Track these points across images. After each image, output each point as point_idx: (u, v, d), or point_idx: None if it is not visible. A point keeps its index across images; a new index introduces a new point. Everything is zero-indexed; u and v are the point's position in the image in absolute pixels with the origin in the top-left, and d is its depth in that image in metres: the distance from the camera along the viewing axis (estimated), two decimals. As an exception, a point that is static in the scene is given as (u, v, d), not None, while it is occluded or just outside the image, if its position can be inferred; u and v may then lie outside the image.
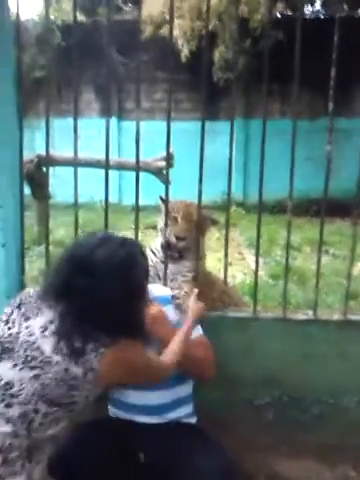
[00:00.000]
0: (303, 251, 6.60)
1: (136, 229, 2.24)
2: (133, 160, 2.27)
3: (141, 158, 5.58)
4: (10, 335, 1.48)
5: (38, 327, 1.48)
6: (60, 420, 1.47)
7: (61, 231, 5.97)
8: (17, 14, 2.04)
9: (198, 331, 1.95)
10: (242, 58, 8.81)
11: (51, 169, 5.12)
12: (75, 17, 2.11)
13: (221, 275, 2.42)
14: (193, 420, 2.01)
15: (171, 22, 2.19)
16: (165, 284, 2.18)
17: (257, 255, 2.31)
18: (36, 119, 5.98)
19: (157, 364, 1.65)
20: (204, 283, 2.23)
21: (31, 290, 1.62)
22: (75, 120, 2.15)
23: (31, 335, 1.47)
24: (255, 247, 2.33)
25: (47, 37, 3.16)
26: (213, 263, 5.47)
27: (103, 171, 2.18)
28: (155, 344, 1.75)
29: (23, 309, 1.53)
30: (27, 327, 1.48)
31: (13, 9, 2.05)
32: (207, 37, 2.28)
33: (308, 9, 10.72)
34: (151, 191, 3.32)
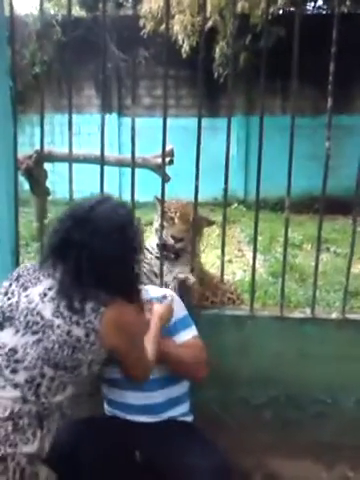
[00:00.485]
0: (304, 249, 6.58)
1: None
2: (134, 157, 2.25)
3: (141, 154, 5.58)
4: (10, 305, 1.50)
5: (37, 294, 1.49)
6: (67, 385, 1.47)
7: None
8: (11, 8, 2.02)
9: (192, 332, 1.93)
10: (243, 54, 8.79)
11: (51, 165, 5.15)
12: (70, 11, 2.09)
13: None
14: (189, 419, 2.00)
15: (167, 18, 2.17)
16: (161, 283, 2.16)
17: (254, 252, 2.29)
18: (36, 115, 5.96)
19: (144, 344, 1.65)
20: (199, 281, 2.21)
21: (28, 264, 1.62)
22: (70, 115, 2.13)
23: (30, 302, 1.48)
24: (257, 245, 2.30)
25: (44, 32, 3.14)
26: (213, 259, 5.48)
27: (105, 167, 2.17)
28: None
29: (21, 280, 1.54)
30: (26, 295, 1.50)
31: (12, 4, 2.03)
32: (203, 34, 2.25)
33: (310, 5, 10.68)
34: (151, 188, 3.30)
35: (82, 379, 1.51)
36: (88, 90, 10.60)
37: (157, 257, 2.23)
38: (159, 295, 1.95)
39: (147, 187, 4.21)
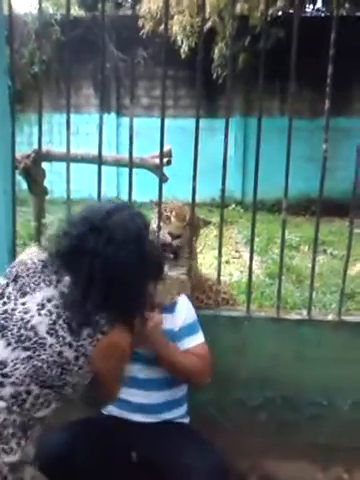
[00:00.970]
0: (301, 250, 6.59)
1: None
2: (132, 157, 2.25)
3: (139, 154, 5.57)
4: (5, 311, 1.40)
5: (35, 304, 1.40)
6: (51, 402, 1.42)
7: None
8: (9, 7, 2.01)
9: (198, 339, 1.91)
10: (242, 55, 8.80)
11: (49, 165, 5.14)
12: (68, 11, 2.08)
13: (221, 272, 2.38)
14: (186, 420, 2.00)
15: (166, 18, 2.17)
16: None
17: (251, 254, 2.29)
18: (34, 114, 5.95)
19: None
20: (196, 283, 2.21)
21: (28, 261, 1.49)
22: (68, 115, 2.13)
23: (26, 312, 1.39)
24: (253, 246, 2.30)
25: (43, 31, 3.13)
26: (210, 260, 5.48)
27: (103, 167, 2.17)
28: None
29: (20, 283, 1.44)
30: (23, 303, 1.40)
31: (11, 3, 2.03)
32: (202, 34, 2.24)
33: (309, 7, 10.70)
34: (149, 188, 3.30)
35: (68, 397, 1.45)
36: (86, 90, 10.60)
37: None
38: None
39: (145, 187, 4.21)
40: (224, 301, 2.39)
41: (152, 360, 1.88)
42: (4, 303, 1.42)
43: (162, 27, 8.61)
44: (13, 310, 1.40)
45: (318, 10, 10.95)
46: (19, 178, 5.26)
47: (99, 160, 2.20)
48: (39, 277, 1.43)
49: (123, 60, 9.55)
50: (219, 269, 2.27)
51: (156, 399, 1.91)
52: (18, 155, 4.58)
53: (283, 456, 2.22)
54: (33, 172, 4.89)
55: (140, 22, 8.75)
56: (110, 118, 10.30)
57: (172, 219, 2.22)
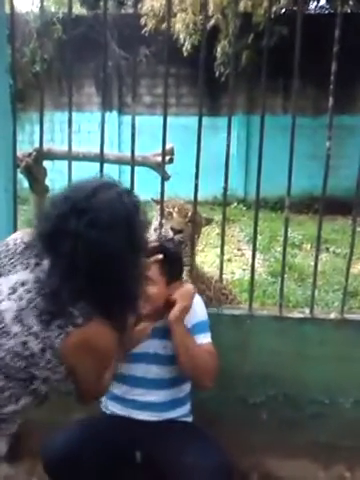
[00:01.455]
0: (304, 248, 6.58)
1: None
2: (134, 155, 2.26)
3: (141, 153, 5.57)
4: None
5: (7, 287, 1.29)
6: (20, 397, 1.31)
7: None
8: (11, 5, 2.01)
9: (207, 338, 1.90)
10: (245, 53, 8.77)
11: (51, 163, 5.13)
12: (70, 9, 2.08)
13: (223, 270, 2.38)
14: (189, 419, 2.01)
15: (169, 16, 2.16)
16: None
17: (254, 252, 2.28)
18: (36, 113, 5.95)
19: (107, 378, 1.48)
20: (195, 276, 2.22)
21: (10, 242, 1.39)
22: (70, 113, 2.13)
23: None
24: (256, 244, 2.30)
25: (45, 30, 3.13)
26: (212, 258, 5.48)
27: (105, 165, 2.17)
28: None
29: None
30: None
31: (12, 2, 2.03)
32: (205, 32, 2.24)
33: (313, 5, 10.65)
34: (151, 186, 3.30)
35: (41, 393, 1.34)
36: (88, 88, 10.58)
37: None
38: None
39: (147, 185, 4.21)
40: (224, 296, 2.38)
41: (159, 359, 1.89)
42: None
43: (165, 25, 8.62)
44: None
45: (322, 7, 10.90)
46: (20, 176, 5.27)
47: (101, 158, 2.20)
48: (17, 259, 1.33)
49: (125, 58, 9.53)
50: (221, 267, 2.27)
51: (162, 397, 1.91)
52: (19, 153, 4.57)
53: (285, 454, 2.22)
54: (34, 171, 4.88)
55: (142, 20, 8.73)
56: (112, 116, 10.28)
57: (174, 215, 2.24)
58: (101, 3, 9.53)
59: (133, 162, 2.20)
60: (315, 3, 10.66)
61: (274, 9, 8.08)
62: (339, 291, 4.36)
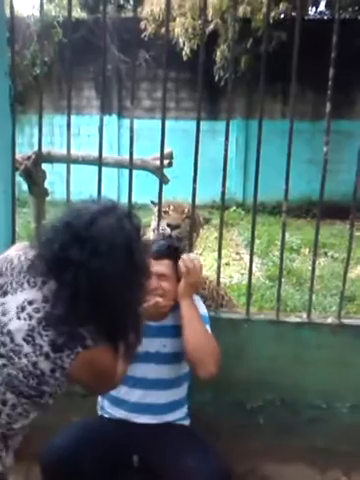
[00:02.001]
0: (302, 253, 6.58)
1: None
2: (132, 158, 2.26)
3: (141, 156, 5.56)
4: None
5: (15, 306, 1.30)
6: (30, 412, 1.36)
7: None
8: (11, 9, 2.02)
9: (209, 330, 1.90)
10: (244, 58, 8.80)
11: (50, 166, 5.14)
12: (70, 13, 2.09)
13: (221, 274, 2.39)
14: (186, 422, 2.00)
15: (167, 20, 2.17)
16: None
17: (251, 256, 2.29)
18: (36, 116, 5.96)
19: (117, 377, 1.49)
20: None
21: (15, 259, 1.39)
22: (68, 116, 2.13)
23: (4, 314, 1.30)
24: (254, 248, 2.30)
25: (45, 33, 3.14)
26: (210, 262, 5.47)
27: (105, 169, 2.18)
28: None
29: (2, 281, 1.34)
30: (2, 304, 1.31)
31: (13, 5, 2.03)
32: (204, 37, 2.24)
33: (312, 10, 10.70)
34: (150, 189, 3.30)
35: (45, 405, 1.39)
36: (88, 91, 10.61)
37: None
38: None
39: (146, 189, 4.21)
40: (219, 296, 2.37)
41: (159, 358, 1.90)
42: None
43: (164, 29, 8.62)
44: None
45: (321, 13, 10.95)
46: (20, 179, 5.26)
47: (99, 161, 2.21)
48: (23, 277, 1.34)
49: (125, 62, 9.55)
50: (218, 271, 2.27)
51: (161, 399, 1.92)
52: (19, 156, 4.59)
53: (282, 459, 2.21)
54: (34, 173, 4.89)
55: (142, 24, 8.76)
56: (111, 120, 10.31)
57: (170, 212, 2.25)
58: (101, 7, 9.56)
59: (132, 165, 2.20)
60: (314, 8, 10.71)
61: (273, 14, 8.12)
62: (337, 295, 4.36)
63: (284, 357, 2.20)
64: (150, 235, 2.33)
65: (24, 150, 5.83)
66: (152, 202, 2.41)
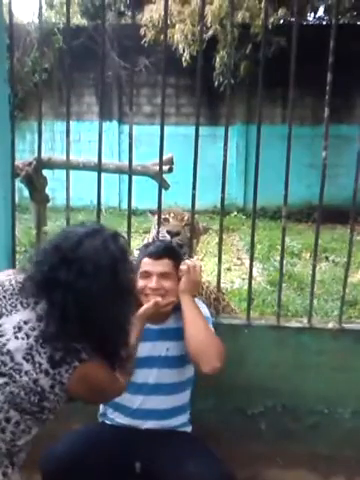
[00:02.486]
0: (303, 257, 6.57)
1: (128, 232, 2.23)
2: (133, 164, 2.27)
3: (141, 162, 5.57)
4: None
5: (11, 327, 1.35)
6: (32, 428, 1.40)
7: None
8: (10, 16, 2.03)
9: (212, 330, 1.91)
10: (243, 63, 8.83)
11: (51, 172, 5.15)
12: (68, 20, 2.10)
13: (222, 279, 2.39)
14: (188, 429, 2.00)
15: (166, 27, 2.18)
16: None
17: (251, 261, 2.28)
18: (37, 122, 5.97)
19: (118, 387, 1.54)
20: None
21: (6, 282, 1.45)
22: (68, 123, 2.14)
23: (2, 335, 1.35)
24: (255, 253, 2.30)
25: (44, 40, 3.16)
26: (211, 267, 5.47)
27: (105, 175, 2.18)
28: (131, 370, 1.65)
29: None
30: None
31: (12, 12, 2.04)
32: (202, 43, 2.25)
33: (310, 15, 10.74)
34: (151, 195, 3.30)
35: (45, 421, 1.43)
36: (89, 97, 10.65)
37: None
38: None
39: (147, 195, 4.22)
40: (216, 301, 2.37)
41: (162, 362, 1.89)
42: None
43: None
44: None
45: (319, 18, 10.99)
46: (21, 185, 5.27)
47: (99, 167, 2.21)
48: (16, 299, 1.40)
49: (125, 68, 9.59)
50: (219, 276, 2.27)
51: (163, 404, 1.91)
52: (20, 162, 4.61)
53: (284, 465, 2.20)
54: (34, 179, 4.90)
55: (142, 31, 8.80)
56: (112, 126, 10.34)
57: (170, 220, 2.26)
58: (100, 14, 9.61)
59: (131, 171, 2.20)
60: (313, 14, 10.75)
61: (272, 20, 8.15)
62: (338, 300, 4.35)
63: (285, 362, 2.20)
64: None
65: (25, 156, 5.86)
66: (150, 212, 2.43)
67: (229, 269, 6.07)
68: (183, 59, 8.82)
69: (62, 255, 1.34)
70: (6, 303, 1.39)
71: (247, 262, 6.46)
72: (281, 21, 8.85)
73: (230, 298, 3.97)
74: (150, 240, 2.32)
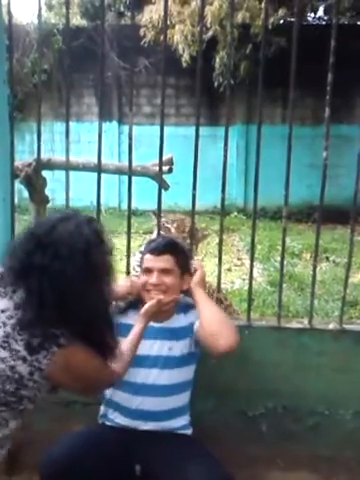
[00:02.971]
0: (303, 258, 6.57)
1: (128, 233, 2.22)
2: (133, 165, 2.26)
3: (141, 162, 5.57)
4: None
5: None
6: (9, 421, 1.37)
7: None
8: (9, 16, 2.02)
9: None
10: (243, 64, 8.83)
11: (51, 173, 5.14)
12: (68, 21, 2.09)
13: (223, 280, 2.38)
14: (188, 432, 1.99)
15: (165, 27, 2.18)
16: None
17: (252, 261, 2.28)
18: (36, 123, 5.98)
19: (107, 374, 1.52)
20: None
21: None
22: (67, 123, 2.14)
23: None
24: (255, 253, 2.30)
25: (43, 41, 3.16)
26: (212, 268, 5.46)
27: (105, 175, 2.18)
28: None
29: None
30: None
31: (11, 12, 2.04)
32: (202, 43, 2.25)
33: (310, 16, 10.73)
34: (151, 196, 3.30)
35: (23, 412, 1.40)
36: (88, 98, 10.65)
37: None
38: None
39: (147, 195, 4.21)
40: (218, 301, 2.38)
41: (162, 362, 1.88)
42: None
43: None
44: None
45: (320, 18, 10.99)
46: (21, 186, 5.26)
47: (99, 168, 2.21)
48: None
49: (125, 69, 9.59)
50: (219, 276, 2.26)
51: (164, 406, 1.90)
52: (19, 163, 4.60)
53: (285, 466, 2.20)
54: (34, 180, 4.90)
55: (142, 31, 8.80)
56: (112, 126, 10.34)
57: (172, 230, 2.26)
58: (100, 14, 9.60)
59: (131, 172, 2.20)
60: (313, 14, 10.75)
61: (272, 20, 8.14)
62: (339, 301, 4.34)
63: (286, 364, 2.19)
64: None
65: (25, 157, 5.84)
66: (154, 213, 2.42)
67: (229, 270, 6.06)
68: (183, 60, 8.82)
69: (37, 241, 1.34)
70: None
71: (247, 262, 6.47)
72: (281, 21, 8.84)
73: (231, 299, 3.96)
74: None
